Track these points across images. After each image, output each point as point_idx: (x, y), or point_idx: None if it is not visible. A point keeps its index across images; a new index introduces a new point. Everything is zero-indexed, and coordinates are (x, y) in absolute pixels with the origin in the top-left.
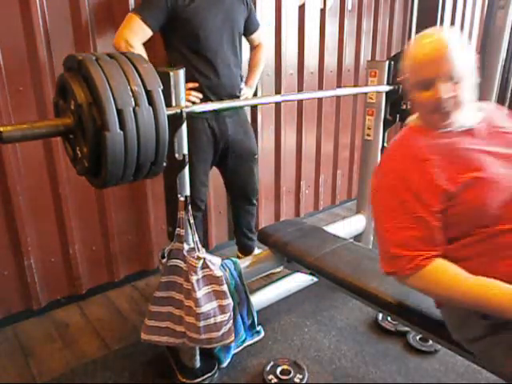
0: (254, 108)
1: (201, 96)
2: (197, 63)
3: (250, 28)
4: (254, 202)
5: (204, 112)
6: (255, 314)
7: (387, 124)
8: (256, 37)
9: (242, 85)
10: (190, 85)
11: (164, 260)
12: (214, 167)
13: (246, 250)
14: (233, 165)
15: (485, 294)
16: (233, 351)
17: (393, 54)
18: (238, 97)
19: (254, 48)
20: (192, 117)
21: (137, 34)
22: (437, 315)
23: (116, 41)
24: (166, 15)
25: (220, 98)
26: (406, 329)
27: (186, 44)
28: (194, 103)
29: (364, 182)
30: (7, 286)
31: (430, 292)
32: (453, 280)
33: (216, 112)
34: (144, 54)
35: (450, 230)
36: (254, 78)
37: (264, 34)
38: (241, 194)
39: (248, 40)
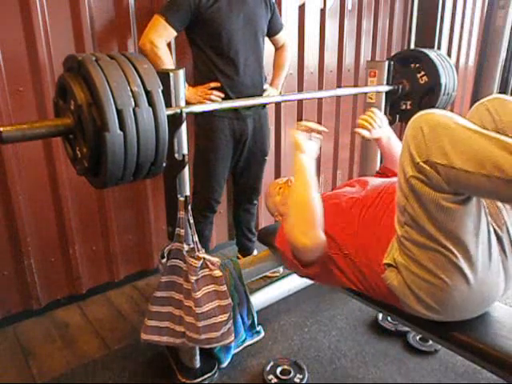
0: None
1: (222, 95)
2: (219, 63)
3: (273, 29)
4: (255, 201)
5: (225, 111)
6: (255, 314)
7: None
8: (280, 37)
9: (266, 86)
10: (212, 84)
11: (164, 260)
12: None
13: (245, 251)
14: (245, 163)
15: (301, 178)
16: (233, 351)
17: (393, 54)
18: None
19: (278, 49)
20: (214, 116)
21: (161, 35)
22: None
23: (142, 42)
24: (190, 16)
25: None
26: (406, 329)
27: (209, 43)
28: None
29: None
30: (7, 285)
31: (291, 220)
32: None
33: (237, 111)
34: (168, 55)
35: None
36: (279, 78)
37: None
38: (245, 192)
39: (272, 41)
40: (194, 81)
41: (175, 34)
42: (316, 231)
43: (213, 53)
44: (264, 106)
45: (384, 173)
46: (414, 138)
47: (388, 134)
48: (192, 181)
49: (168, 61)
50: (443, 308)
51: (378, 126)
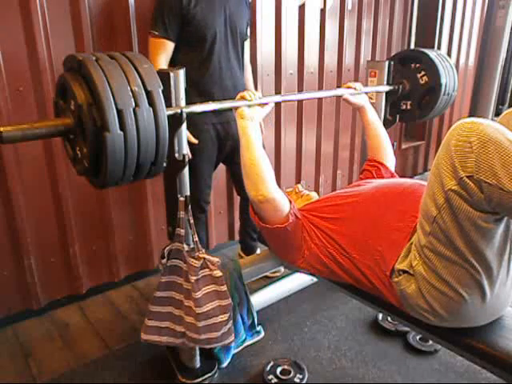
0: None
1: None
2: (202, 66)
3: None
4: None
5: (207, 114)
6: (255, 314)
7: (387, 124)
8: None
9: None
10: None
11: (164, 260)
12: (221, 164)
13: (248, 250)
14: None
15: (244, 142)
16: (233, 351)
17: (393, 54)
18: None
19: None
20: (198, 118)
21: (160, 54)
22: None
23: None
24: (179, 21)
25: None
26: (406, 329)
27: (192, 46)
28: None
29: None
30: (7, 285)
31: (244, 181)
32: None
33: (220, 113)
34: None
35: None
36: (248, 82)
37: (264, 34)
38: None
39: None
40: None
41: (173, 44)
42: (265, 185)
43: (195, 56)
44: None
45: (374, 165)
46: (459, 149)
47: (370, 107)
48: None
49: None
50: (454, 318)
51: (361, 89)
